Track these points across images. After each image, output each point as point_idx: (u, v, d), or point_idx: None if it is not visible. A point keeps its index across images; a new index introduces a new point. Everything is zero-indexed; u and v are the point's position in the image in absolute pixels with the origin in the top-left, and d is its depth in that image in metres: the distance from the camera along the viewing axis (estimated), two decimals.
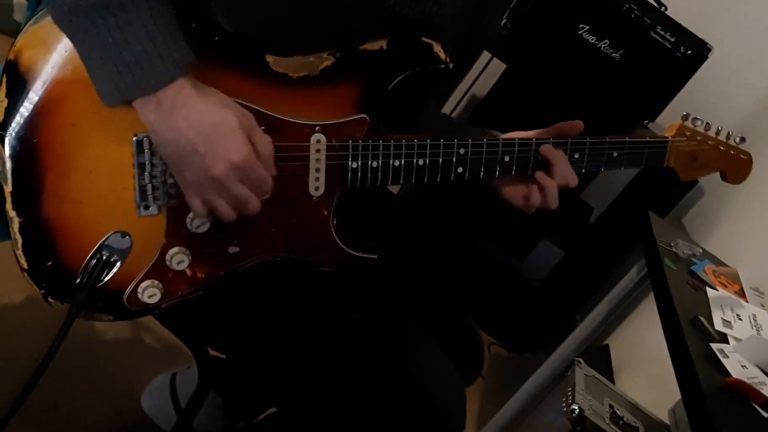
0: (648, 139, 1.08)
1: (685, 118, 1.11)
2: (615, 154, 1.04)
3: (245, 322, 0.97)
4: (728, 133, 1.16)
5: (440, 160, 0.93)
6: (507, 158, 0.97)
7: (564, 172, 0.98)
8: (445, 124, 1.18)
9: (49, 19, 0.70)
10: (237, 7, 0.80)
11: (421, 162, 0.92)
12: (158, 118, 0.72)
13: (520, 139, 0.98)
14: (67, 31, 0.69)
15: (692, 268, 1.37)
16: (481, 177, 0.97)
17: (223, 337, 1.04)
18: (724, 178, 1.20)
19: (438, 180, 0.94)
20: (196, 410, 1.29)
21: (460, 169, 0.95)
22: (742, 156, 1.18)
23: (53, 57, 0.71)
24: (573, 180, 1.00)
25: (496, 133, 1.06)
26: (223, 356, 1.22)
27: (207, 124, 0.72)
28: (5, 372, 1.33)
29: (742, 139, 1.17)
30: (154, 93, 0.70)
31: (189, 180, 0.76)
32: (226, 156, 0.73)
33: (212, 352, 1.16)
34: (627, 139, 1.05)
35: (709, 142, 1.14)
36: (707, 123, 1.12)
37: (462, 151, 0.94)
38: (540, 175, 0.98)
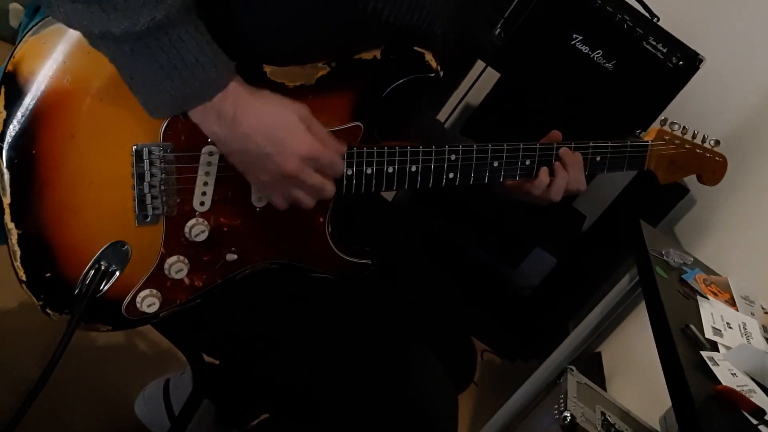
0: (629, 143, 1.11)
1: (664, 122, 1.14)
2: (598, 159, 1.08)
3: (240, 328, 0.97)
4: (704, 136, 1.19)
5: (432, 166, 0.95)
6: (496, 163, 1.00)
7: (578, 175, 1.04)
8: (434, 134, 1.20)
9: (48, 30, 0.71)
10: (234, 20, 0.81)
11: (413, 168, 0.93)
12: (223, 130, 0.74)
13: (508, 144, 1.00)
14: (113, 57, 0.70)
15: (683, 276, 1.37)
16: (471, 182, 0.99)
17: (217, 343, 1.05)
18: (700, 179, 1.24)
19: (430, 185, 0.96)
20: (189, 416, 1.29)
21: (450, 175, 0.97)
22: (717, 158, 1.21)
23: (52, 68, 0.71)
24: (582, 185, 1.06)
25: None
26: (217, 362, 1.23)
27: (271, 126, 0.76)
28: (1, 378, 1.33)
29: (717, 142, 1.20)
30: (211, 100, 0.73)
31: (265, 181, 0.79)
32: (296, 151, 0.77)
33: (206, 358, 1.16)
34: (609, 144, 1.09)
35: (686, 146, 1.17)
36: (684, 127, 1.15)
37: (453, 157, 0.96)
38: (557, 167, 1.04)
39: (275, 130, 0.76)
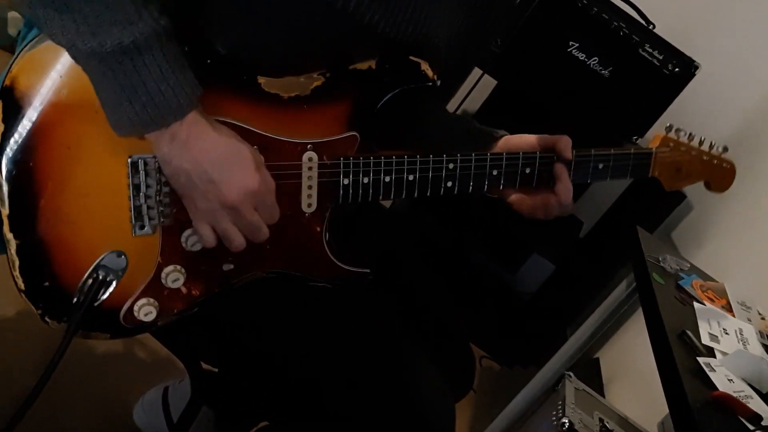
0: (633, 151, 1.10)
1: (669, 129, 1.12)
2: (600, 166, 1.06)
3: (238, 336, 0.97)
4: (711, 143, 1.17)
5: (430, 175, 0.94)
6: (495, 172, 0.99)
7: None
8: (449, 126, 1.18)
9: (44, 45, 0.72)
10: (228, 31, 0.81)
11: (411, 177, 0.93)
12: (173, 151, 0.74)
13: (507, 153, 0.99)
14: (84, 68, 0.71)
15: (680, 282, 1.38)
16: (470, 191, 0.99)
17: (216, 351, 1.05)
18: (708, 187, 1.22)
19: (428, 194, 0.96)
20: (188, 424, 1.29)
21: (449, 184, 0.97)
22: (725, 165, 1.20)
23: (49, 82, 0.72)
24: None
25: (501, 133, 1.08)
26: (216, 370, 1.23)
27: (222, 155, 0.76)
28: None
29: (725, 149, 1.18)
30: (168, 127, 0.73)
31: (202, 208, 0.78)
32: (242, 184, 0.76)
33: (205, 366, 1.16)
34: (612, 151, 1.07)
35: (692, 153, 1.16)
36: (690, 134, 1.14)
37: (451, 165, 0.95)
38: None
39: (225, 159, 0.76)
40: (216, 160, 0.75)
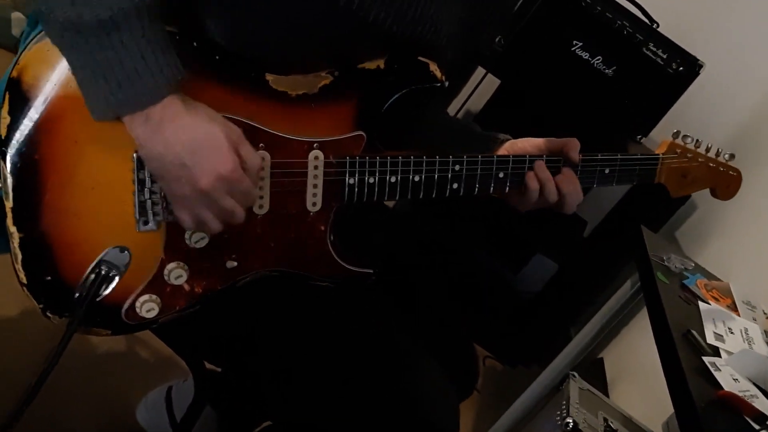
0: (639, 156, 1.09)
1: (676, 135, 1.13)
2: (607, 171, 1.06)
3: (242, 335, 0.97)
4: (718, 150, 1.18)
5: (436, 176, 0.94)
6: (501, 174, 0.98)
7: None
8: (452, 128, 1.18)
9: None
10: (230, 28, 0.81)
11: (416, 178, 0.93)
12: (146, 133, 0.73)
13: (514, 156, 0.99)
14: (58, 45, 0.70)
15: (684, 282, 1.38)
16: (476, 193, 0.98)
17: (219, 350, 1.05)
18: (714, 194, 1.22)
19: (433, 196, 0.95)
20: (191, 424, 1.29)
21: (455, 185, 0.96)
22: (731, 172, 1.20)
23: (56, 75, 0.72)
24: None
25: (504, 137, 1.08)
26: (219, 370, 1.23)
27: (194, 139, 0.73)
28: (1, 384, 1.33)
29: (732, 156, 1.19)
30: (143, 109, 0.71)
31: (177, 193, 0.77)
32: (213, 169, 0.74)
33: (208, 366, 1.16)
34: (619, 156, 1.07)
35: (699, 159, 1.16)
36: (697, 140, 1.14)
37: (457, 167, 0.95)
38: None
39: (197, 142, 0.74)
40: (188, 143, 0.73)
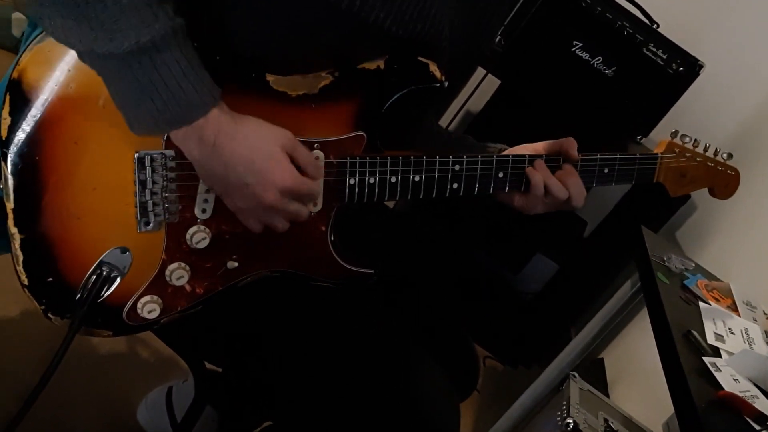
0: (638, 155, 1.10)
1: (674, 135, 1.13)
2: (606, 171, 1.06)
3: (242, 336, 0.97)
4: (716, 149, 1.18)
5: (436, 176, 0.94)
6: (501, 174, 0.99)
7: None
8: (446, 141, 1.19)
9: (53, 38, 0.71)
10: (230, 28, 0.81)
11: (417, 178, 0.93)
12: (203, 155, 0.75)
13: (513, 155, 0.99)
14: (100, 72, 0.71)
15: (685, 282, 1.37)
16: (475, 193, 0.99)
17: (220, 351, 1.05)
18: (712, 193, 1.22)
19: (434, 196, 0.96)
20: (192, 424, 1.29)
21: (455, 185, 0.96)
22: (729, 172, 1.20)
23: (56, 76, 0.72)
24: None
25: (500, 146, 1.08)
26: (220, 370, 1.23)
27: (252, 157, 0.76)
28: (2, 385, 1.33)
29: (730, 155, 1.19)
30: (191, 124, 0.73)
31: (241, 207, 0.80)
32: (276, 184, 0.77)
33: (209, 366, 1.16)
34: (618, 155, 1.07)
35: (698, 159, 1.16)
36: (695, 140, 1.14)
37: (457, 167, 0.95)
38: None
39: (256, 160, 0.76)
40: (247, 162, 0.76)
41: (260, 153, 0.77)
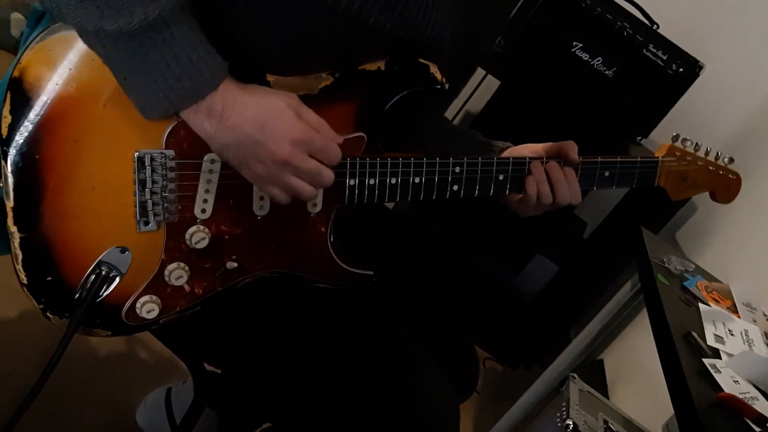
0: (639, 159, 1.10)
1: (675, 138, 1.13)
2: (606, 174, 1.06)
3: (242, 337, 0.97)
4: (717, 153, 1.18)
5: (436, 178, 0.94)
6: (501, 177, 0.99)
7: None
8: (451, 135, 1.19)
9: (54, 37, 0.71)
10: (229, 29, 0.81)
11: (417, 180, 0.93)
12: (213, 125, 0.75)
13: (513, 158, 0.99)
14: (110, 56, 0.70)
15: (685, 283, 1.37)
16: (476, 195, 0.99)
17: (219, 352, 1.05)
18: (713, 197, 1.23)
19: (434, 198, 0.96)
20: (191, 425, 1.29)
21: (455, 187, 0.96)
22: (730, 176, 1.20)
23: (57, 74, 0.72)
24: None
25: (503, 144, 1.08)
26: (219, 371, 1.22)
27: (258, 114, 0.75)
28: (0, 385, 1.33)
29: (731, 160, 1.19)
30: (203, 99, 0.73)
31: (260, 172, 0.78)
32: (286, 135, 0.76)
33: (208, 367, 1.16)
34: (619, 159, 1.07)
35: (699, 163, 1.16)
36: (697, 144, 1.15)
37: (457, 169, 0.95)
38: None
39: (262, 117, 0.76)
40: (254, 121, 0.75)
41: (265, 110, 0.76)
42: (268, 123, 0.76)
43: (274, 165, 0.77)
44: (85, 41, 0.70)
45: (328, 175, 0.82)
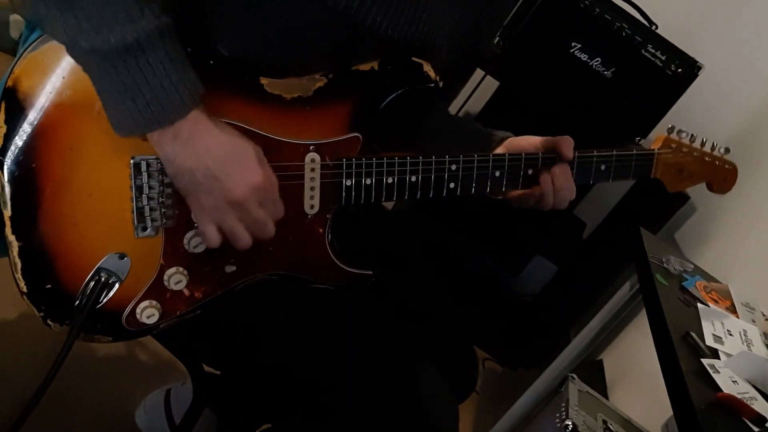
0: (635, 152, 1.10)
1: (671, 130, 1.13)
2: (603, 167, 1.06)
3: (241, 338, 0.97)
4: (713, 144, 1.18)
5: (432, 176, 0.95)
6: (497, 173, 0.99)
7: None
8: (451, 126, 1.19)
9: (47, 46, 0.71)
10: (228, 32, 0.81)
11: (413, 179, 0.93)
12: (175, 149, 0.74)
13: (509, 154, 1.00)
14: (84, 67, 0.71)
15: (684, 284, 1.37)
16: (473, 192, 0.99)
17: (218, 353, 1.05)
18: (710, 188, 1.22)
19: (431, 196, 0.96)
20: (190, 427, 1.29)
21: (451, 185, 0.97)
22: (727, 166, 1.20)
23: (51, 83, 0.72)
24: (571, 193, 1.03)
25: (504, 134, 1.09)
26: (218, 373, 1.23)
27: (225, 152, 0.75)
28: (2, 389, 1.33)
29: (727, 150, 1.19)
30: (171, 125, 0.73)
31: (206, 206, 0.78)
32: (246, 179, 0.76)
33: (207, 369, 1.16)
34: (614, 152, 1.07)
35: (695, 154, 1.16)
36: (692, 135, 1.15)
37: (453, 167, 0.95)
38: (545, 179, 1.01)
39: (229, 155, 0.76)
40: (219, 157, 0.75)
41: (234, 150, 0.76)
42: (233, 162, 0.76)
43: (226, 204, 0.77)
44: (66, 50, 0.70)
45: (272, 230, 0.82)
